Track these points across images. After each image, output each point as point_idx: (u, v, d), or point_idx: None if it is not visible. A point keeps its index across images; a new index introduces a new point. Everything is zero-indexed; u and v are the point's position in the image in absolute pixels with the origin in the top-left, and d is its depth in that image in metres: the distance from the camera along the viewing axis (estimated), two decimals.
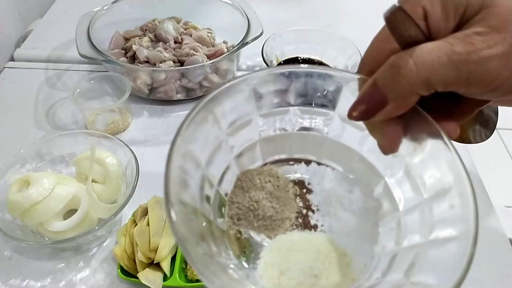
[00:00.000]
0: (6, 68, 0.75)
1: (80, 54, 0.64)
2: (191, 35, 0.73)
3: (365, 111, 0.25)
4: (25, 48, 0.79)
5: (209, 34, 0.75)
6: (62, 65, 0.76)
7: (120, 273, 0.45)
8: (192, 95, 0.65)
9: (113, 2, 0.75)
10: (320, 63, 0.74)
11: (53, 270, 0.47)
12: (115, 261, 0.47)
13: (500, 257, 0.51)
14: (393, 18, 0.23)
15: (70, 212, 0.49)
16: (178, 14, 0.78)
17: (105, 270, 0.47)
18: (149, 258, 0.45)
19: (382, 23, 0.24)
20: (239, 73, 0.76)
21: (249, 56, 0.76)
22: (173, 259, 0.46)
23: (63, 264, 0.48)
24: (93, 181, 0.51)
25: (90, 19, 0.70)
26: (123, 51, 0.71)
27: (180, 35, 0.73)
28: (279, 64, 0.74)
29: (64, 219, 0.48)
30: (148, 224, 0.46)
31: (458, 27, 0.23)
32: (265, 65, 0.68)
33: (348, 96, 0.29)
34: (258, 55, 0.69)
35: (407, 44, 0.23)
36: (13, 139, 0.62)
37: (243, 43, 0.67)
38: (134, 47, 0.69)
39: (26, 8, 0.87)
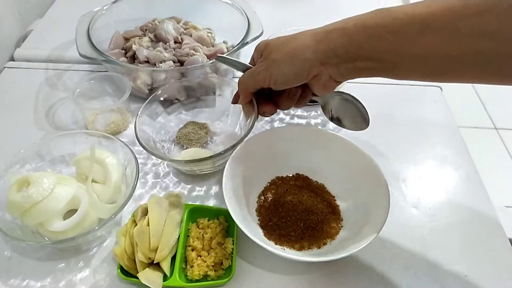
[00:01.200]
0: (6, 68, 0.75)
1: (80, 54, 0.64)
2: (191, 35, 0.73)
3: (235, 99, 0.55)
4: (25, 48, 0.79)
5: (209, 34, 0.75)
6: (62, 65, 0.76)
7: (120, 273, 0.45)
8: (192, 95, 0.65)
9: (113, 2, 0.75)
10: None
11: (53, 270, 0.48)
12: (115, 261, 0.47)
13: (500, 257, 0.51)
14: (217, 60, 0.56)
15: (70, 212, 0.49)
16: (178, 14, 0.78)
17: (105, 270, 0.47)
18: (149, 258, 0.45)
19: None
20: (239, 73, 0.76)
21: (249, 56, 0.75)
22: (173, 259, 0.47)
23: (63, 264, 0.48)
24: (93, 181, 0.51)
25: (90, 19, 0.70)
26: (123, 51, 0.71)
27: (180, 35, 0.73)
28: None
29: (64, 219, 0.48)
30: (148, 224, 0.46)
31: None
32: None
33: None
34: None
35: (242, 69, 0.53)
36: (13, 139, 0.62)
37: (243, 43, 0.67)
38: (134, 47, 0.69)
39: (26, 8, 0.87)
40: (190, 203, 0.51)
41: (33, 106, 0.68)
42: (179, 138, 0.62)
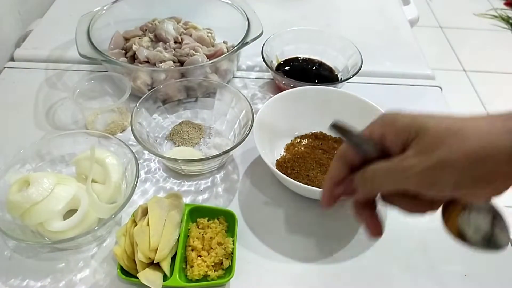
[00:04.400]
0: (6, 68, 0.75)
1: (80, 54, 0.64)
2: (191, 35, 0.73)
3: (344, 191, 0.37)
4: (25, 48, 0.79)
5: (209, 34, 0.75)
6: (62, 65, 0.76)
7: (120, 273, 0.45)
8: (192, 95, 0.65)
9: (113, 2, 0.75)
10: (320, 63, 0.75)
11: (53, 270, 0.48)
12: (115, 261, 0.47)
13: (500, 257, 0.51)
14: (336, 128, 0.36)
15: (70, 212, 0.49)
16: (178, 14, 0.78)
17: (105, 270, 0.48)
18: (149, 258, 0.45)
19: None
20: (239, 73, 0.76)
21: (249, 56, 0.76)
22: (173, 259, 0.47)
23: (63, 264, 0.48)
24: (93, 181, 0.51)
25: (90, 19, 0.70)
26: (123, 51, 0.71)
27: (180, 35, 0.73)
28: (279, 64, 0.74)
29: (64, 219, 0.48)
30: (148, 224, 0.46)
31: (403, 146, 0.33)
32: (265, 65, 0.68)
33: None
34: (258, 55, 0.69)
35: (359, 149, 0.36)
36: (13, 139, 0.62)
37: (243, 43, 0.67)
38: (134, 47, 0.69)
39: (26, 8, 0.87)
40: (189, 203, 0.51)
41: (33, 106, 0.68)
42: (173, 135, 0.62)
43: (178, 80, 0.63)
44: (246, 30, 0.69)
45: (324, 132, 0.63)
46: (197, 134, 0.63)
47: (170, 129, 0.63)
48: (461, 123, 0.32)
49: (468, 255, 0.51)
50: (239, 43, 0.67)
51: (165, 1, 0.80)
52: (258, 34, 0.68)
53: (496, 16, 2.41)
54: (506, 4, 2.51)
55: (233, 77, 0.74)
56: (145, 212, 0.48)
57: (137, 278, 0.43)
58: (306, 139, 0.62)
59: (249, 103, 0.58)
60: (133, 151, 0.52)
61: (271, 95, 0.71)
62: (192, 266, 0.46)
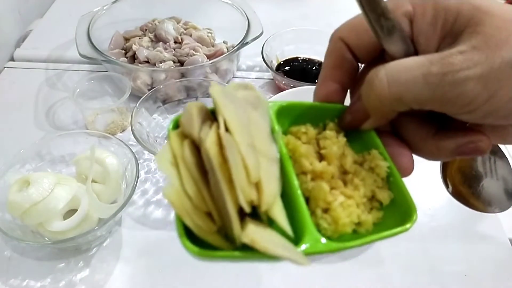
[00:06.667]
0: (6, 68, 0.75)
1: (80, 54, 0.64)
2: (191, 35, 0.73)
3: (351, 121, 0.25)
4: (25, 48, 0.79)
5: (209, 34, 0.75)
6: (62, 65, 0.76)
7: (188, 244, 0.19)
8: (192, 95, 0.65)
9: (113, 2, 0.75)
10: (320, 63, 0.75)
11: (53, 270, 0.47)
12: (115, 261, 0.47)
13: (500, 257, 0.51)
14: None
15: (70, 212, 0.49)
16: (178, 14, 0.78)
17: (105, 270, 0.47)
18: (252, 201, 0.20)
19: None
20: (239, 73, 0.76)
21: (249, 56, 0.76)
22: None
23: (63, 264, 0.48)
24: (93, 181, 0.51)
25: (90, 19, 0.70)
26: (123, 51, 0.71)
27: (180, 35, 0.73)
28: (279, 64, 0.74)
29: (64, 219, 0.48)
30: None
31: (444, 37, 0.22)
32: (265, 65, 0.68)
33: None
34: (258, 55, 0.69)
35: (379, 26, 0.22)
36: (13, 139, 0.62)
37: (243, 43, 0.67)
38: (134, 47, 0.69)
39: (26, 8, 0.87)
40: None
41: (33, 106, 0.68)
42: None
43: (178, 80, 0.63)
44: (246, 30, 0.69)
45: None
46: None
47: None
48: None
49: (468, 255, 0.51)
50: (239, 43, 0.67)
51: (165, 1, 0.80)
52: (258, 34, 0.68)
53: None
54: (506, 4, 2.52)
55: (233, 77, 0.74)
56: (206, 114, 0.23)
57: (219, 249, 0.20)
58: None
59: None
60: (133, 151, 0.52)
61: (271, 95, 0.71)
62: (327, 210, 0.23)
